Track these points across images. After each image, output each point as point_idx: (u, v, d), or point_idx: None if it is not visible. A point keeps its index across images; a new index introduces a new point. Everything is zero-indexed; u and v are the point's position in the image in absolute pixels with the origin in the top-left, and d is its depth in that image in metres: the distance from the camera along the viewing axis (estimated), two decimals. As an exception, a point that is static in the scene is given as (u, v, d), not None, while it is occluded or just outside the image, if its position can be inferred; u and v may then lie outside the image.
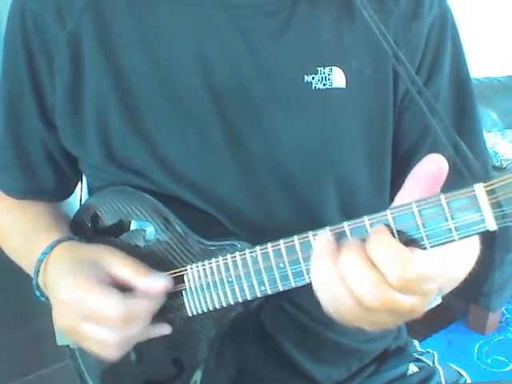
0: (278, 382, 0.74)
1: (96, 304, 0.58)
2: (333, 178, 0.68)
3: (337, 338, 0.75)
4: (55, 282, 0.63)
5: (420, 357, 0.84)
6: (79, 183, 0.82)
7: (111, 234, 0.68)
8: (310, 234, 0.52)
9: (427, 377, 0.80)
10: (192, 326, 0.64)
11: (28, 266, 0.73)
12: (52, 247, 0.66)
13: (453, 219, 0.45)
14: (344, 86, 0.66)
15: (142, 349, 0.65)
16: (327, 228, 0.50)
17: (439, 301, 0.55)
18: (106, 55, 0.65)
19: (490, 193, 0.44)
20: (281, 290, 0.56)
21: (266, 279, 0.56)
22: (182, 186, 0.66)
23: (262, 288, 0.56)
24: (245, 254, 0.57)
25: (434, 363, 0.84)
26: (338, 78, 0.65)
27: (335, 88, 0.65)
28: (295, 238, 0.53)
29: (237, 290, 0.58)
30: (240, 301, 0.59)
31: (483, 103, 2.55)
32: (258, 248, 0.56)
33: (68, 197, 0.82)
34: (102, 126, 0.67)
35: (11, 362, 1.62)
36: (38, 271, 0.66)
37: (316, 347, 0.74)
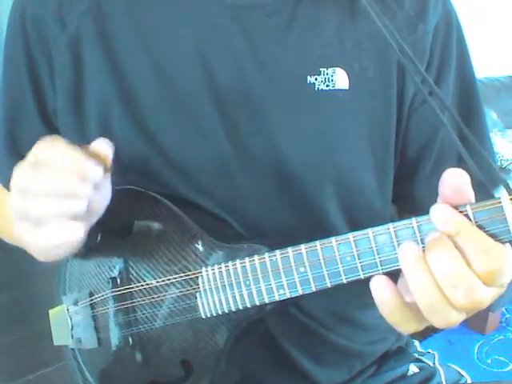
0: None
1: (46, 152, 0.51)
2: (335, 179, 0.67)
3: (339, 341, 0.75)
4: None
5: (420, 357, 0.84)
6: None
7: (120, 235, 0.67)
8: (333, 239, 0.52)
9: (428, 377, 0.80)
10: (204, 328, 0.63)
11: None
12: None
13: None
14: (347, 88, 0.65)
15: (149, 348, 0.64)
16: (350, 234, 0.50)
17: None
18: (107, 57, 0.65)
19: None
20: (301, 293, 0.55)
21: (285, 283, 0.56)
22: (188, 187, 0.66)
23: (281, 292, 0.56)
24: (264, 258, 0.56)
25: (434, 363, 0.84)
26: (341, 79, 0.65)
27: (338, 89, 0.65)
28: (317, 243, 0.53)
29: (254, 293, 0.58)
30: (257, 304, 0.58)
31: (483, 103, 2.55)
32: (277, 252, 0.56)
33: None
34: (105, 127, 0.67)
35: (11, 361, 1.62)
36: None
37: (318, 349, 0.74)
